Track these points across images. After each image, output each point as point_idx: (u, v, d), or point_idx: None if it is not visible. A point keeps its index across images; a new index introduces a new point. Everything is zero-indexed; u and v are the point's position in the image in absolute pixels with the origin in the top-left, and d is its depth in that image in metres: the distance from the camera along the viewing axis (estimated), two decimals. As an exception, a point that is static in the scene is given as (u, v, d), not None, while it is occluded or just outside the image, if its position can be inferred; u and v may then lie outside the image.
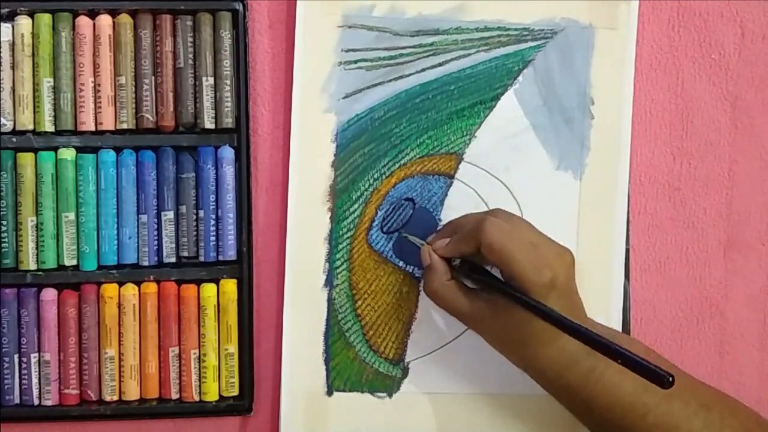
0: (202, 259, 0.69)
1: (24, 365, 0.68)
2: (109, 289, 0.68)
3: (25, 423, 0.68)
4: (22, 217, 0.67)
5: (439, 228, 0.70)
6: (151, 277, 0.68)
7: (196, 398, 0.69)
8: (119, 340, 0.68)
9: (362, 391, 0.70)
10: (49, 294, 0.68)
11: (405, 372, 0.70)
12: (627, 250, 0.71)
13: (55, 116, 0.67)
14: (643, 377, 0.55)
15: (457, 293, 0.64)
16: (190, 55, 0.68)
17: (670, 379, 0.54)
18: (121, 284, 0.68)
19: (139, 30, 0.68)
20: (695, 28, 0.72)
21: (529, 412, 0.71)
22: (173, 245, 0.69)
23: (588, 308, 0.65)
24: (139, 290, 0.68)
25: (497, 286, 0.62)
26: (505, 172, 0.70)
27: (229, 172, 0.68)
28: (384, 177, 0.70)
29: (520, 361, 0.64)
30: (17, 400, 0.68)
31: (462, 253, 0.64)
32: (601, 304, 0.70)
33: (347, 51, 0.69)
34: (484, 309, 0.63)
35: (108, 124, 0.68)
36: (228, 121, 0.68)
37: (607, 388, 0.61)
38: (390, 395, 0.70)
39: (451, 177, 0.70)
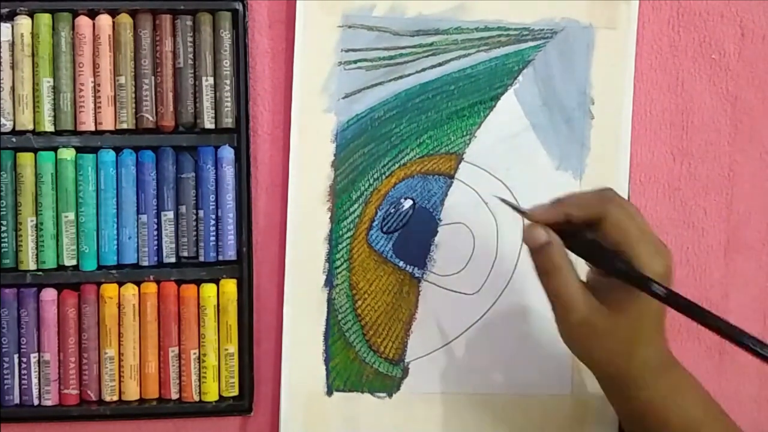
0: (202, 259, 0.69)
1: (24, 365, 0.67)
2: (109, 289, 0.68)
3: (25, 423, 0.68)
4: (21, 217, 0.67)
5: (440, 226, 0.70)
6: (151, 277, 0.68)
7: (196, 398, 0.69)
8: (119, 340, 0.68)
9: (362, 391, 0.70)
10: (49, 294, 0.68)
11: (405, 372, 0.70)
12: (627, 250, 0.71)
13: (54, 116, 0.67)
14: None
15: (576, 277, 0.57)
16: (190, 55, 0.68)
17: None
18: (120, 284, 0.68)
19: (139, 30, 0.68)
20: (695, 28, 0.72)
21: (530, 412, 0.71)
22: (173, 245, 0.69)
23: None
24: (139, 290, 0.68)
25: (627, 269, 0.56)
26: (505, 172, 0.70)
27: (229, 172, 0.68)
28: (384, 177, 0.70)
29: (611, 365, 0.59)
30: (17, 400, 0.68)
31: (567, 217, 0.57)
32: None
33: (347, 51, 0.69)
34: (599, 309, 0.57)
35: (108, 124, 0.68)
36: (228, 121, 0.68)
37: (682, 408, 0.59)
38: (390, 395, 0.70)
39: (451, 177, 0.70)
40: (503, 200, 0.62)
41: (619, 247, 0.57)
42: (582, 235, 0.58)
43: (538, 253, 0.58)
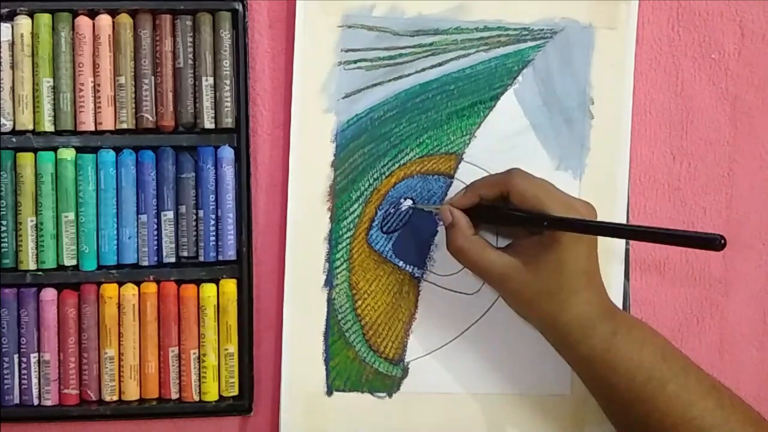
0: (201, 259, 0.69)
1: (24, 365, 0.67)
2: (109, 289, 0.68)
3: (25, 423, 0.68)
4: (21, 217, 0.67)
5: (439, 226, 0.70)
6: (151, 277, 0.68)
7: (196, 398, 0.69)
8: (119, 340, 0.68)
9: (362, 391, 0.70)
10: (49, 294, 0.68)
11: (405, 372, 0.70)
12: (627, 250, 0.71)
13: (54, 116, 0.67)
14: (693, 246, 0.56)
15: (485, 248, 0.64)
16: (190, 55, 0.68)
17: (721, 239, 0.54)
18: (120, 284, 0.68)
19: (139, 30, 0.68)
20: (695, 28, 0.72)
21: (530, 412, 0.71)
22: (173, 245, 0.69)
23: (588, 308, 0.65)
24: (139, 290, 0.68)
25: (534, 215, 0.62)
26: (505, 172, 0.70)
27: (228, 172, 0.68)
28: (384, 177, 0.70)
29: (545, 318, 0.63)
30: (17, 400, 0.68)
31: (481, 198, 0.65)
32: (601, 304, 0.70)
33: (347, 51, 0.69)
34: (512, 263, 0.63)
35: (108, 124, 0.68)
36: (228, 121, 0.68)
37: (628, 354, 0.61)
38: (390, 395, 0.70)
39: (451, 177, 0.70)
40: (418, 207, 0.69)
41: (528, 210, 0.62)
42: (493, 208, 0.65)
43: (448, 232, 0.66)
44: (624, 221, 0.71)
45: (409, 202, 0.70)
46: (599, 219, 0.68)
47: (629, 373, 0.61)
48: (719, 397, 0.62)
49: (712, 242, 0.55)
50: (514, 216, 0.64)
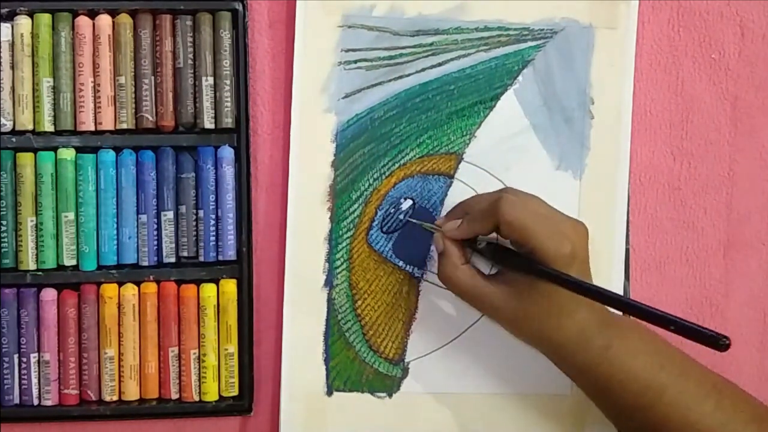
0: (201, 259, 0.69)
1: (24, 365, 0.67)
2: (109, 289, 0.68)
3: (25, 423, 0.68)
4: (21, 217, 0.67)
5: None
6: (151, 277, 0.68)
7: (196, 398, 0.69)
8: (119, 340, 0.68)
9: (362, 391, 0.70)
10: (49, 294, 0.68)
11: (405, 372, 0.70)
12: (627, 250, 0.71)
13: (54, 116, 0.67)
14: (695, 340, 0.54)
15: (474, 277, 0.64)
16: (190, 55, 0.68)
17: (726, 341, 0.53)
18: (120, 284, 0.68)
19: (139, 30, 0.68)
20: (695, 27, 0.72)
21: (530, 412, 0.71)
22: (173, 245, 0.69)
23: (588, 308, 0.65)
24: (139, 290, 0.68)
25: (526, 264, 0.62)
26: (505, 172, 0.70)
27: (228, 172, 0.68)
28: (384, 177, 0.70)
29: (539, 340, 0.64)
30: (17, 400, 0.68)
31: (476, 233, 0.64)
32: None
33: (347, 51, 0.69)
34: (503, 292, 0.63)
35: (108, 124, 0.68)
36: (228, 121, 0.68)
37: (622, 366, 0.61)
38: (390, 395, 0.70)
39: (451, 177, 0.70)
40: (417, 222, 0.69)
41: (522, 242, 0.62)
42: (483, 242, 0.65)
43: (439, 259, 0.66)
44: (624, 222, 0.71)
45: (409, 202, 0.70)
46: (599, 220, 0.69)
47: (624, 384, 0.62)
48: (719, 398, 0.62)
49: (716, 341, 0.53)
50: (510, 263, 0.63)
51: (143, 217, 0.68)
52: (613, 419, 0.65)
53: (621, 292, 0.71)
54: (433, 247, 0.70)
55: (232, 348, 0.69)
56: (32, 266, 0.67)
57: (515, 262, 0.63)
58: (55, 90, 0.67)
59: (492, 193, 0.64)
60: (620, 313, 0.64)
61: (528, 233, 0.61)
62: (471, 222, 0.64)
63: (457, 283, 0.65)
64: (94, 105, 0.68)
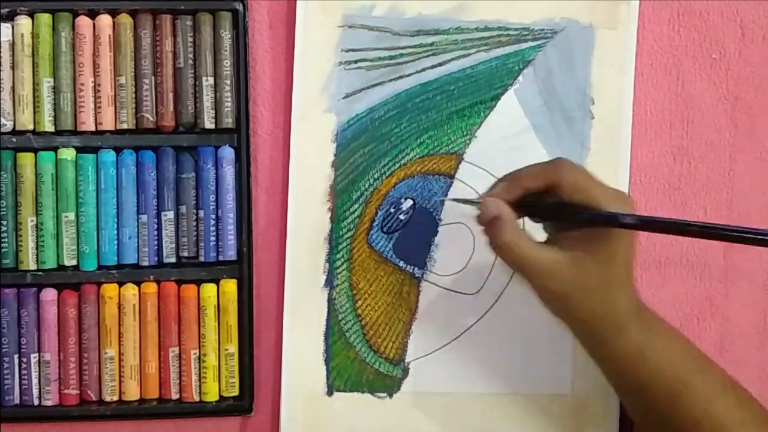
0: (202, 259, 0.69)
1: (24, 365, 0.68)
2: (109, 289, 0.68)
3: (25, 423, 0.68)
4: (22, 217, 0.67)
5: (440, 226, 0.70)
6: (151, 277, 0.68)
7: (196, 398, 0.69)
8: (119, 340, 0.68)
9: (362, 391, 0.70)
10: (49, 294, 0.68)
11: (405, 372, 0.70)
12: (627, 250, 0.71)
13: (55, 116, 0.67)
14: (751, 243, 0.56)
15: (533, 244, 0.60)
16: (190, 55, 0.68)
17: None
18: (121, 284, 0.68)
19: (139, 30, 0.68)
20: (695, 27, 0.72)
21: (530, 412, 0.71)
22: (173, 245, 0.69)
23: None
24: (139, 290, 0.68)
25: (594, 213, 0.59)
26: (505, 172, 0.70)
27: (229, 172, 0.68)
28: (384, 177, 0.70)
29: (585, 316, 0.61)
30: (17, 400, 0.68)
31: (526, 191, 0.61)
32: (602, 304, 0.70)
33: (347, 51, 0.69)
34: (561, 258, 0.60)
35: (108, 124, 0.68)
36: (228, 121, 0.68)
37: (658, 351, 0.61)
38: (390, 395, 0.70)
39: (452, 177, 0.70)
40: (456, 200, 0.67)
41: (581, 203, 0.60)
42: (543, 201, 0.61)
43: (490, 227, 0.61)
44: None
45: (409, 202, 0.70)
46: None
47: (659, 370, 0.61)
48: (738, 396, 0.62)
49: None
50: (584, 215, 0.60)
51: (143, 217, 0.68)
52: (637, 409, 0.65)
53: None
54: (433, 248, 0.70)
55: (233, 348, 0.69)
56: (32, 266, 0.67)
57: (585, 215, 0.60)
58: (56, 90, 0.67)
59: (544, 162, 0.62)
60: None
61: (589, 194, 0.59)
62: (519, 179, 0.61)
63: (514, 250, 0.60)
64: (95, 105, 0.68)
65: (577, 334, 0.63)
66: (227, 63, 0.68)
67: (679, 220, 0.61)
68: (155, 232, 0.68)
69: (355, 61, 0.69)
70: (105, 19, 0.67)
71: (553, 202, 0.61)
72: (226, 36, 0.68)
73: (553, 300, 0.62)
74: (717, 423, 0.61)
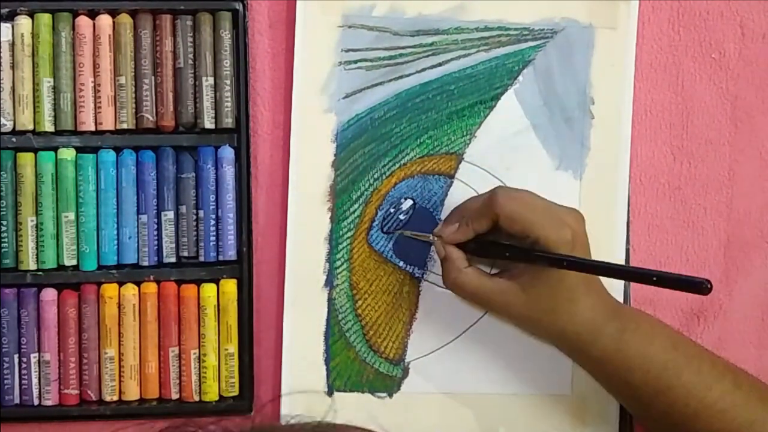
0: (202, 259, 0.69)
1: (24, 365, 0.67)
2: (109, 289, 0.68)
3: (25, 423, 0.68)
4: (22, 217, 0.67)
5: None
6: (151, 277, 0.68)
7: (196, 398, 0.69)
8: (119, 340, 0.68)
9: (363, 391, 0.70)
10: (49, 294, 0.68)
11: (405, 372, 0.70)
12: (627, 250, 0.71)
13: (55, 116, 0.67)
14: (680, 289, 0.58)
15: (481, 278, 0.65)
16: (190, 55, 0.68)
17: (708, 284, 0.56)
18: (121, 284, 0.68)
19: (139, 30, 0.68)
20: (695, 27, 0.72)
21: (530, 412, 0.71)
22: (173, 245, 0.69)
23: (588, 308, 0.65)
24: (139, 290, 0.68)
25: (525, 253, 0.63)
26: (505, 172, 0.70)
27: (229, 172, 0.68)
28: (384, 177, 0.70)
29: (553, 333, 0.64)
30: (17, 400, 0.68)
31: (476, 232, 0.65)
32: (602, 304, 0.70)
33: (347, 51, 0.69)
34: (511, 288, 0.64)
35: (108, 124, 0.68)
36: (228, 121, 0.68)
37: (639, 350, 0.62)
38: (390, 395, 0.70)
39: (451, 177, 0.70)
40: (412, 235, 0.69)
41: (523, 234, 0.62)
42: (479, 240, 0.65)
43: (442, 265, 0.66)
44: (624, 221, 0.71)
45: (409, 202, 0.70)
46: (600, 220, 0.69)
47: (643, 368, 0.62)
48: (735, 378, 0.62)
49: (699, 286, 0.57)
50: (518, 255, 0.64)
51: (143, 217, 0.68)
52: (634, 409, 0.66)
53: (621, 291, 0.71)
54: (433, 249, 0.70)
55: (233, 348, 0.69)
56: (32, 266, 0.67)
57: (519, 253, 0.63)
58: (56, 90, 0.67)
59: (485, 193, 0.65)
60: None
61: (529, 224, 0.62)
62: (469, 222, 0.65)
63: (464, 287, 0.65)
64: (95, 105, 0.68)
65: (557, 347, 0.66)
66: (227, 63, 0.68)
67: (592, 261, 0.64)
68: (155, 232, 0.68)
69: (355, 61, 0.69)
70: (105, 19, 0.67)
71: (484, 240, 0.65)
72: (226, 36, 0.68)
73: (516, 324, 0.67)
74: (717, 409, 0.61)
